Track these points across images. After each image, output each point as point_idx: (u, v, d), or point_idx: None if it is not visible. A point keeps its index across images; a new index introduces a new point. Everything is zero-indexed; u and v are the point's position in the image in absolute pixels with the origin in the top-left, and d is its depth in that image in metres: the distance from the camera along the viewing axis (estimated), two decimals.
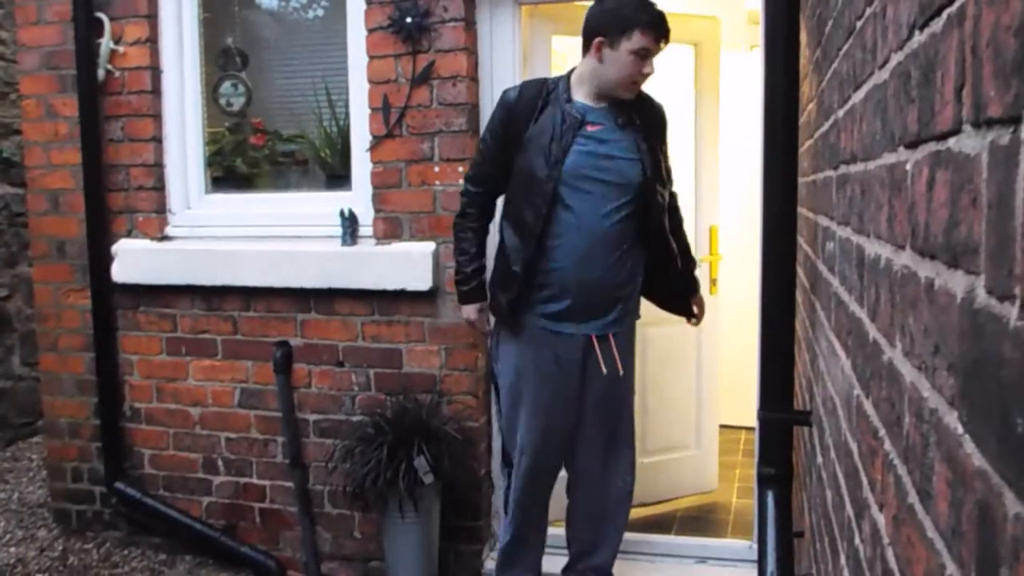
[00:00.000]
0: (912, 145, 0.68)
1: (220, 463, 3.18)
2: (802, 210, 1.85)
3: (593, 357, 2.47)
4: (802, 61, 1.80)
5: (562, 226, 2.38)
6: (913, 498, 0.64)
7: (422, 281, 2.86)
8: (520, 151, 2.40)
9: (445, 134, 2.84)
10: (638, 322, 2.64)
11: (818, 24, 1.64)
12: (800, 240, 1.86)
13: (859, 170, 1.01)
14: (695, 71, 3.42)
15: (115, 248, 3.18)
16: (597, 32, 2.36)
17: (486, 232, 2.58)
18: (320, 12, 3.35)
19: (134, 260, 3.16)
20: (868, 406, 0.89)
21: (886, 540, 0.75)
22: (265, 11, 3.40)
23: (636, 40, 2.33)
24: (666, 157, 2.55)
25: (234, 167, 3.32)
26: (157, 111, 3.16)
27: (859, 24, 1.01)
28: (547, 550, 2.69)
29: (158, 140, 3.17)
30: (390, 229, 2.93)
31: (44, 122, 3.22)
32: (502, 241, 2.48)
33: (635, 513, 3.26)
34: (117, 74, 3.13)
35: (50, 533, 3.39)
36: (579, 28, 2.48)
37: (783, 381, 1.76)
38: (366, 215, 2.97)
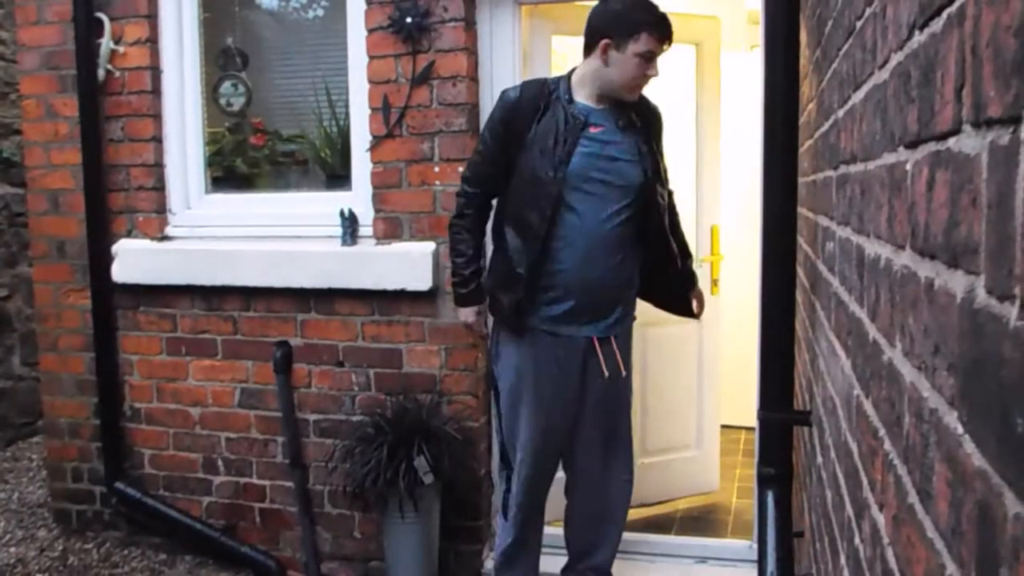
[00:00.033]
0: (912, 145, 0.68)
1: (220, 463, 3.18)
2: (802, 210, 1.85)
3: (594, 358, 2.47)
4: (802, 61, 1.80)
5: (566, 228, 2.37)
6: (913, 498, 0.64)
7: (422, 281, 2.86)
8: (522, 152, 2.38)
9: (445, 134, 2.84)
10: (639, 322, 2.65)
11: (818, 24, 1.64)
12: (800, 240, 1.86)
13: (859, 170, 1.01)
14: (696, 71, 3.42)
15: (115, 248, 3.18)
16: (603, 34, 2.35)
17: (484, 234, 2.57)
18: (320, 12, 3.35)
19: (134, 260, 3.16)
20: (868, 406, 0.89)
21: (886, 540, 0.75)
22: (265, 11, 3.40)
23: (643, 43, 2.33)
24: (662, 157, 2.55)
25: (234, 167, 3.32)
26: (157, 111, 3.16)
27: (859, 24, 1.01)
28: (547, 550, 2.69)
29: (158, 140, 3.17)
30: (390, 229, 2.93)
31: (44, 122, 3.23)
32: (502, 242, 2.46)
33: (635, 513, 3.27)
34: (117, 74, 3.13)
35: (50, 533, 3.39)
36: (579, 28, 2.47)
37: (783, 381, 1.76)
38: (366, 215, 2.97)
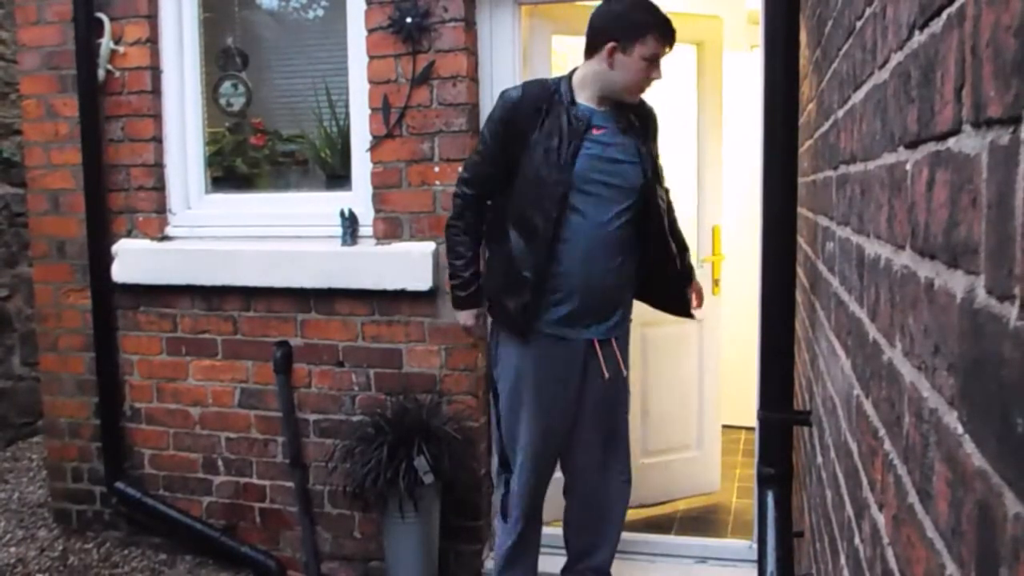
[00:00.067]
0: (912, 145, 0.68)
1: (220, 463, 3.18)
2: (802, 210, 1.85)
3: (594, 359, 2.48)
4: (802, 61, 1.80)
5: (570, 230, 2.36)
6: (913, 498, 0.64)
7: (422, 281, 2.86)
8: (525, 154, 2.36)
9: (445, 134, 2.84)
10: (639, 322, 2.65)
11: (818, 24, 1.64)
12: (800, 240, 1.86)
13: (859, 170, 1.01)
14: (698, 70, 3.42)
15: (115, 248, 3.18)
16: (609, 37, 2.34)
17: (482, 236, 2.53)
18: (320, 12, 3.35)
19: (134, 260, 3.16)
20: (868, 406, 0.89)
21: (886, 540, 0.75)
22: (265, 11, 3.40)
23: (649, 46, 2.34)
24: (658, 157, 2.56)
25: (234, 167, 3.32)
26: (157, 111, 3.16)
27: (859, 24, 1.01)
28: (546, 550, 2.69)
29: (158, 140, 3.17)
30: (390, 229, 2.93)
31: (44, 122, 3.23)
32: (502, 245, 2.43)
33: (635, 513, 3.27)
34: (117, 74, 3.13)
35: (50, 533, 3.39)
36: (579, 28, 2.47)
37: (783, 381, 1.76)
38: (366, 215, 2.97)
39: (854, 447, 0.99)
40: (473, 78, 2.86)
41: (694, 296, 2.76)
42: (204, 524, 3.17)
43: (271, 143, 3.30)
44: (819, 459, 1.45)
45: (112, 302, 3.22)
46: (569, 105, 2.39)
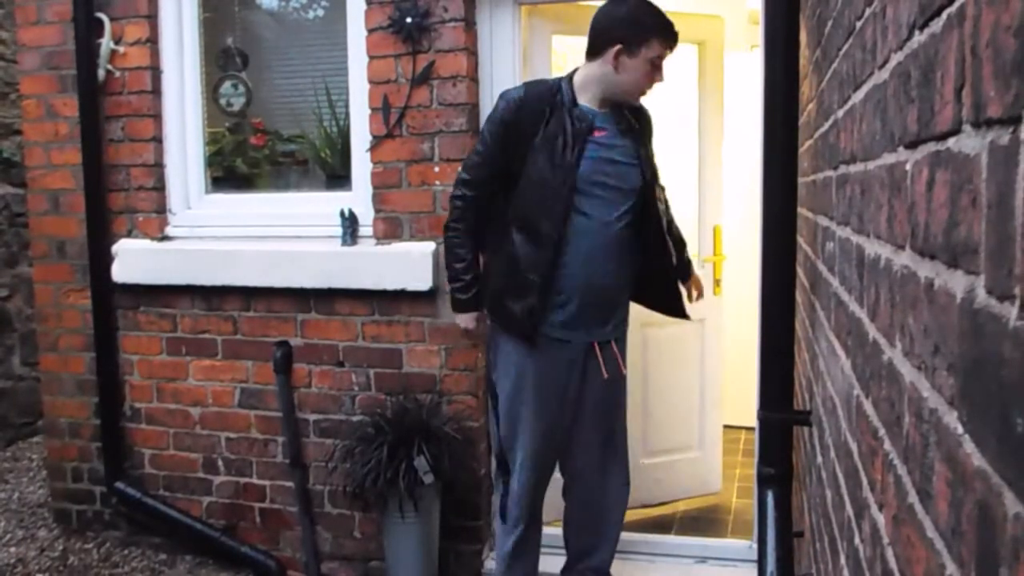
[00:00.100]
0: (912, 145, 0.68)
1: (220, 463, 3.18)
2: (802, 210, 1.85)
3: (593, 360, 2.48)
4: (802, 61, 1.80)
5: (575, 232, 2.36)
6: (913, 498, 0.64)
7: (422, 281, 2.86)
8: (528, 155, 2.35)
9: (445, 134, 2.84)
10: (640, 323, 2.65)
11: (818, 24, 1.64)
12: (800, 240, 1.86)
13: (859, 170, 1.01)
14: (699, 70, 3.42)
15: (115, 248, 3.18)
16: (615, 40, 2.33)
17: (481, 238, 2.50)
18: (320, 12, 3.35)
19: (134, 260, 3.16)
20: (868, 406, 0.89)
21: (886, 540, 0.75)
22: (265, 11, 3.40)
23: (654, 48, 2.34)
24: (653, 157, 2.56)
25: (234, 167, 3.32)
26: (157, 111, 3.16)
27: (859, 24, 1.01)
28: (547, 550, 2.69)
29: (158, 140, 3.17)
30: (390, 229, 2.93)
31: (44, 122, 3.23)
32: (505, 247, 2.41)
33: (637, 514, 3.27)
34: (117, 74, 3.13)
35: (50, 533, 3.39)
36: (579, 28, 2.47)
37: (783, 381, 1.76)
38: (366, 215, 2.97)
39: (854, 447, 0.99)
40: (473, 78, 2.86)
41: (694, 290, 2.77)
42: (204, 524, 3.17)
43: (271, 143, 3.30)
44: (819, 459, 1.45)
45: (112, 302, 3.22)
46: (571, 106, 2.38)
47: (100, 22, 3.08)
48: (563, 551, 2.72)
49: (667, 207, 2.63)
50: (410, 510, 2.70)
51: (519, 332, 2.42)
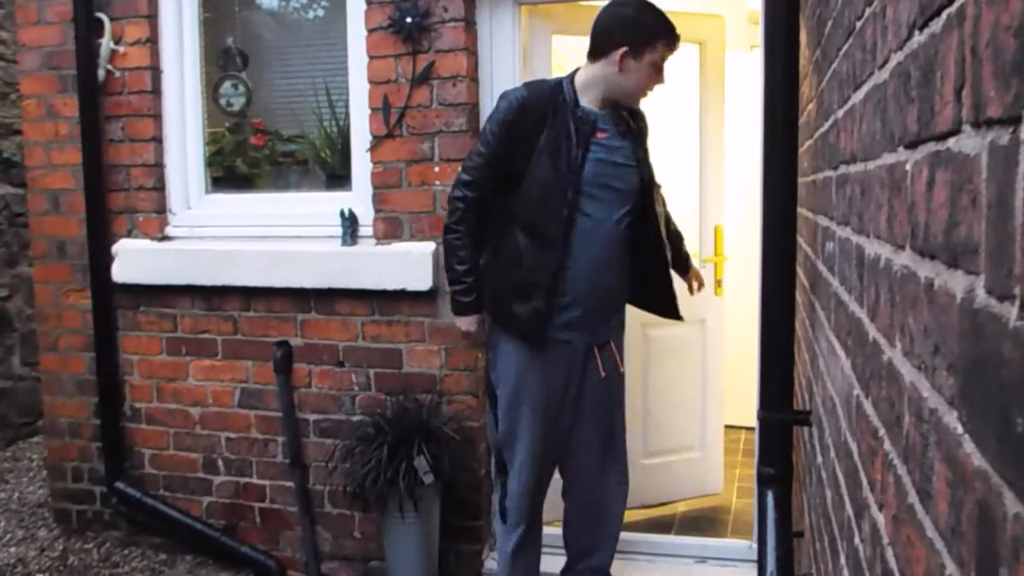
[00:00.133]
0: (912, 145, 0.68)
1: (220, 463, 3.18)
2: (802, 210, 1.85)
3: (592, 360, 2.48)
4: (802, 61, 1.80)
5: (579, 234, 2.36)
6: (913, 498, 0.64)
7: (422, 281, 2.86)
8: (532, 156, 2.33)
9: (445, 134, 2.84)
10: (641, 323, 2.65)
11: (818, 24, 1.64)
12: (800, 240, 1.86)
13: (859, 170, 1.01)
14: (700, 70, 3.41)
15: (115, 248, 3.18)
16: (620, 42, 2.33)
17: (481, 239, 2.46)
18: (320, 12, 3.35)
19: (134, 260, 3.16)
20: (868, 406, 0.89)
21: (886, 540, 0.76)
22: (265, 11, 3.40)
23: (659, 51, 2.35)
24: (649, 157, 2.57)
25: (234, 167, 3.32)
26: (157, 111, 3.16)
27: (859, 24, 1.01)
28: (547, 550, 2.69)
29: (158, 140, 3.17)
30: (390, 229, 2.93)
31: (44, 122, 3.23)
32: (507, 249, 2.38)
33: (637, 514, 3.27)
34: (117, 74, 3.13)
35: (50, 533, 3.39)
36: (579, 28, 2.47)
37: (783, 381, 1.76)
38: (366, 215, 2.97)
39: (854, 447, 0.99)
40: (473, 78, 2.86)
41: (694, 281, 2.78)
42: (204, 524, 3.17)
43: (271, 143, 3.30)
44: (819, 459, 1.45)
45: (112, 302, 3.22)
46: (574, 107, 2.38)
47: (100, 22, 3.08)
48: (563, 551, 2.72)
49: (664, 204, 2.64)
50: (410, 510, 2.70)
51: (524, 335, 2.40)
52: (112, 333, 3.23)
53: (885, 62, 0.81)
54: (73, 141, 3.16)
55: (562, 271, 2.36)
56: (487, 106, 2.82)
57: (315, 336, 3.03)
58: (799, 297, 1.92)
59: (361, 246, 2.95)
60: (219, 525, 3.18)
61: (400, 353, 2.95)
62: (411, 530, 2.76)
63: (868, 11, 0.93)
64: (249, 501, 3.16)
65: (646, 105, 2.56)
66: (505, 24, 2.89)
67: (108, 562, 3.20)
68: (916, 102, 0.66)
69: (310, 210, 3.07)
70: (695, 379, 3.50)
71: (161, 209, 3.20)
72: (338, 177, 3.13)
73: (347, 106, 3.06)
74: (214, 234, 3.16)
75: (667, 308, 2.63)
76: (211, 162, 3.29)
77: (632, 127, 2.48)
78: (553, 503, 2.73)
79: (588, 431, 2.56)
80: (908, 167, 0.70)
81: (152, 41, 3.12)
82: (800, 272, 1.93)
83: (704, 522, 3.40)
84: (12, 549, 3.27)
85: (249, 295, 3.08)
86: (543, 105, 2.36)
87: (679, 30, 2.40)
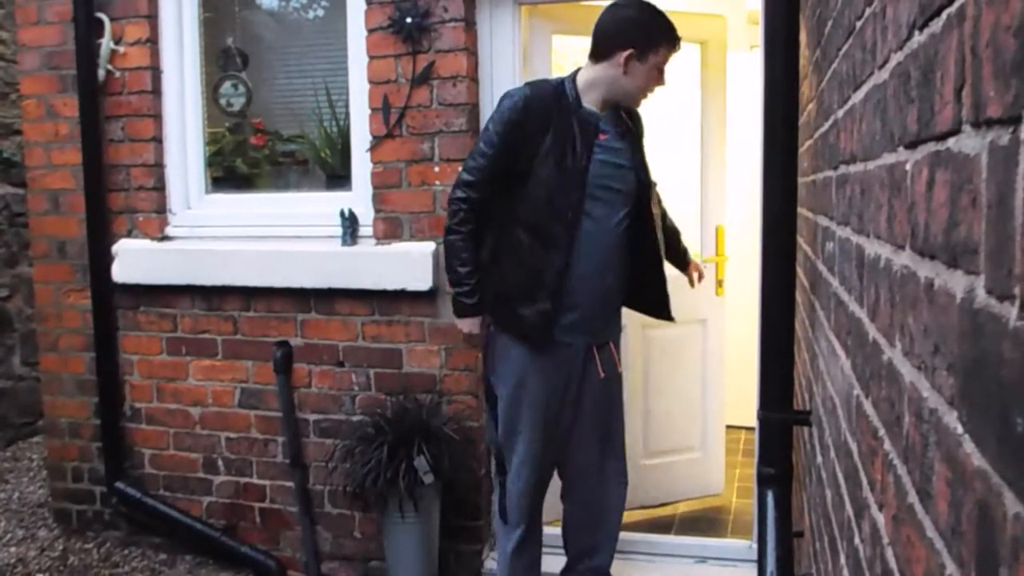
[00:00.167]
0: (912, 145, 0.68)
1: (220, 463, 3.18)
2: (802, 210, 1.85)
3: (592, 360, 2.48)
4: (802, 61, 1.80)
5: (583, 236, 2.36)
6: (913, 498, 0.64)
7: (422, 281, 2.86)
8: (536, 157, 2.31)
9: (445, 134, 2.84)
10: (642, 323, 2.65)
11: (818, 24, 1.64)
12: (800, 240, 1.86)
13: (859, 170, 1.01)
14: (701, 70, 3.41)
15: (115, 248, 3.18)
16: (626, 44, 2.32)
17: (480, 240, 2.43)
18: (320, 12, 3.35)
19: (134, 260, 3.16)
20: (868, 406, 0.89)
21: (886, 540, 0.76)
22: (265, 11, 3.40)
23: (662, 54, 2.35)
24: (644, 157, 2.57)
25: (234, 167, 3.32)
26: (157, 111, 3.16)
27: (859, 24, 1.01)
28: (547, 550, 2.69)
29: (158, 140, 3.17)
30: (390, 229, 2.93)
31: (44, 122, 3.23)
32: (511, 251, 2.36)
33: (637, 514, 3.27)
34: (117, 74, 3.13)
35: (50, 533, 3.39)
36: (579, 28, 2.47)
37: (783, 381, 1.76)
38: (366, 215, 2.97)
39: (854, 447, 0.99)
40: (473, 78, 2.86)
41: (693, 272, 2.80)
42: (204, 524, 3.17)
43: (271, 143, 3.30)
44: (819, 459, 1.45)
45: (112, 302, 3.22)
46: (576, 108, 2.38)
47: (100, 22, 3.08)
48: (563, 551, 2.72)
49: (660, 202, 2.64)
50: (410, 510, 2.70)
51: (529, 337, 2.39)
52: (112, 333, 3.23)
53: (885, 62, 0.81)
54: (73, 141, 3.16)
55: (568, 273, 2.36)
56: (487, 106, 2.82)
57: (315, 336, 3.03)
58: (799, 297, 1.92)
59: (361, 246, 2.95)
60: (219, 525, 3.18)
61: (400, 353, 2.95)
62: (411, 530, 2.76)
63: (868, 11, 0.93)
64: (249, 501, 3.16)
65: (648, 105, 2.56)
66: (505, 24, 2.89)
67: (108, 562, 3.20)
68: (916, 102, 0.66)
69: (310, 210, 3.07)
70: (696, 379, 3.50)
71: (161, 209, 3.20)
72: (338, 177, 3.13)
73: (347, 106, 3.06)
74: (214, 234, 3.16)
75: (660, 309, 2.63)
76: (211, 162, 3.29)
77: (630, 128, 2.49)
78: (553, 503, 2.72)
79: (587, 431, 2.55)
80: (908, 167, 0.70)
81: (152, 41, 3.12)
82: (800, 272, 1.93)
83: (704, 522, 3.40)
84: (12, 549, 3.27)
85: (249, 295, 3.08)
86: (547, 105, 2.34)
87: (681, 30, 2.40)
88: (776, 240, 1.76)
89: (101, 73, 3.11)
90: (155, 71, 3.14)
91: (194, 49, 3.20)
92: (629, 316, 2.71)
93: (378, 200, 2.94)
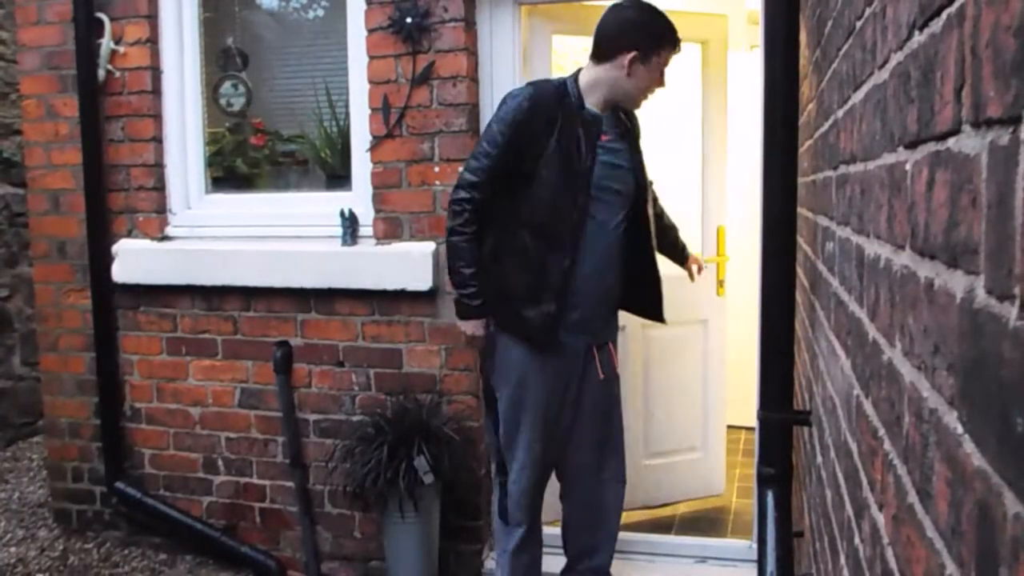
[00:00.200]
0: (912, 145, 0.68)
1: (220, 463, 3.18)
2: (802, 210, 1.85)
3: (591, 361, 2.48)
4: (802, 61, 1.80)
5: (587, 237, 2.36)
6: (913, 498, 0.64)
7: (422, 281, 2.86)
8: (542, 158, 2.30)
9: (445, 134, 2.84)
10: (642, 323, 2.65)
11: (818, 24, 1.64)
12: (800, 240, 1.86)
13: (859, 170, 1.01)
14: (702, 69, 3.41)
15: (115, 248, 3.18)
16: (630, 47, 2.32)
17: (481, 241, 2.41)
18: (320, 12, 3.35)
19: (134, 260, 3.16)
20: (868, 406, 0.89)
21: (886, 540, 0.75)
22: (265, 11, 3.40)
23: (665, 55, 2.36)
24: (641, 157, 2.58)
25: (234, 167, 3.32)
26: (157, 111, 3.16)
27: (859, 24, 1.01)
28: (547, 550, 2.69)
29: (158, 140, 3.17)
30: (390, 229, 2.93)
31: (44, 122, 3.23)
32: (518, 252, 2.35)
33: (637, 514, 3.27)
34: (117, 74, 3.13)
35: (51, 533, 3.39)
36: (579, 28, 2.47)
37: (783, 381, 1.76)
38: (366, 215, 2.97)
39: (854, 447, 0.99)
40: (473, 78, 2.86)
41: (693, 265, 2.82)
42: (204, 524, 3.17)
43: (271, 143, 3.30)
44: (819, 459, 1.45)
45: (112, 302, 3.22)
46: (579, 109, 2.38)
47: (100, 22, 3.08)
48: (563, 551, 2.72)
49: (656, 200, 2.64)
50: (410, 510, 2.70)
51: (533, 339, 2.38)
52: (112, 333, 3.23)
53: (885, 62, 0.81)
54: (73, 141, 3.16)
55: (572, 274, 2.36)
56: (487, 106, 2.83)
57: (315, 336, 3.03)
58: (799, 297, 1.92)
59: (361, 246, 2.95)
60: (219, 525, 3.18)
61: (400, 353, 2.95)
62: (411, 530, 2.76)
63: (868, 11, 0.93)
64: (249, 501, 3.16)
65: (649, 105, 2.56)
66: (505, 24, 2.89)
67: (108, 562, 3.20)
68: (916, 102, 0.66)
69: (310, 210, 3.07)
70: (697, 380, 3.50)
71: (161, 209, 3.20)
72: (338, 177, 3.13)
73: (347, 106, 3.06)
74: (214, 234, 3.16)
75: (653, 310, 2.63)
76: (211, 162, 3.29)
77: (628, 129, 2.49)
78: (553, 503, 2.72)
79: (587, 431, 2.56)
80: (908, 167, 0.70)
81: (152, 41, 3.12)
82: (800, 272, 1.93)
83: (704, 522, 3.40)
84: (12, 549, 3.27)
85: (249, 295, 3.08)
86: (551, 106, 2.33)
87: (682, 29, 2.40)
88: (776, 240, 1.76)
89: (101, 73, 3.11)
90: (155, 71, 3.14)
91: (194, 49, 3.20)
92: (630, 316, 2.71)
93: (378, 200, 2.94)
